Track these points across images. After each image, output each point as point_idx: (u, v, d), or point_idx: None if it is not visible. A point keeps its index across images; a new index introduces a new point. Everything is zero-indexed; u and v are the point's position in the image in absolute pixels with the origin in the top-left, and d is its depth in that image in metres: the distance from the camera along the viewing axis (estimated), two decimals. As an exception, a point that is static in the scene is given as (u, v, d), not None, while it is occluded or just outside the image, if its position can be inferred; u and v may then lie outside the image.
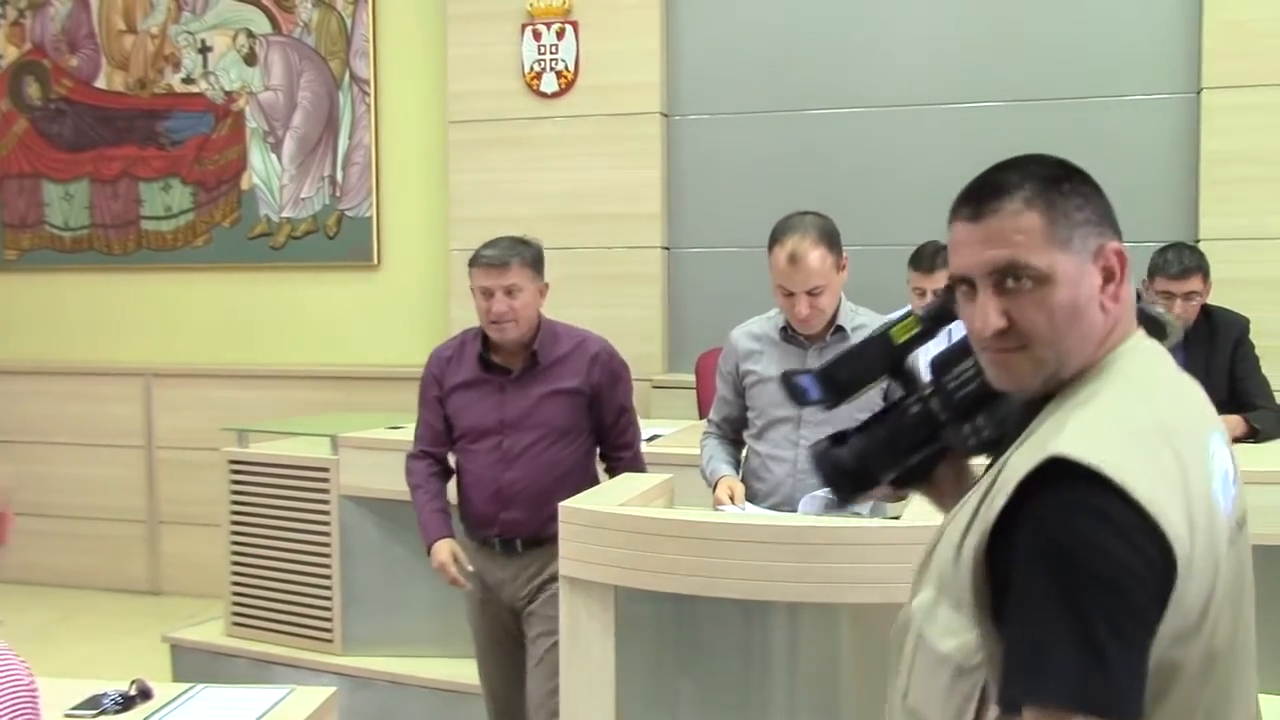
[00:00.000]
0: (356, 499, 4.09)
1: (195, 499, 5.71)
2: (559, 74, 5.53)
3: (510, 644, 3.29)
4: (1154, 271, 4.03)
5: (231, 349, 6.14)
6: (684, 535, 2.28)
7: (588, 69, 5.51)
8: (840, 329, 2.92)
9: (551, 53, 5.53)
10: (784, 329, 2.96)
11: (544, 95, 5.57)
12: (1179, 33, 4.92)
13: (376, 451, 4.04)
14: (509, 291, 3.11)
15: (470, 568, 3.17)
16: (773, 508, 2.87)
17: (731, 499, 2.79)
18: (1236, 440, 3.71)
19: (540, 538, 3.12)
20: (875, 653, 2.34)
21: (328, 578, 4.15)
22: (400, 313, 5.96)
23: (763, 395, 2.96)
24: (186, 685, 2.64)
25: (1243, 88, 4.76)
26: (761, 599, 2.31)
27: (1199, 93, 4.86)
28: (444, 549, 3.16)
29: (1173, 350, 4.24)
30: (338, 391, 5.75)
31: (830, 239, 2.85)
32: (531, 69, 5.56)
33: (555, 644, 2.85)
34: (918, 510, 2.49)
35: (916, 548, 2.25)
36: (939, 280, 4.13)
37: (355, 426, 4.32)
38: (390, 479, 3.66)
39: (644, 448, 3.79)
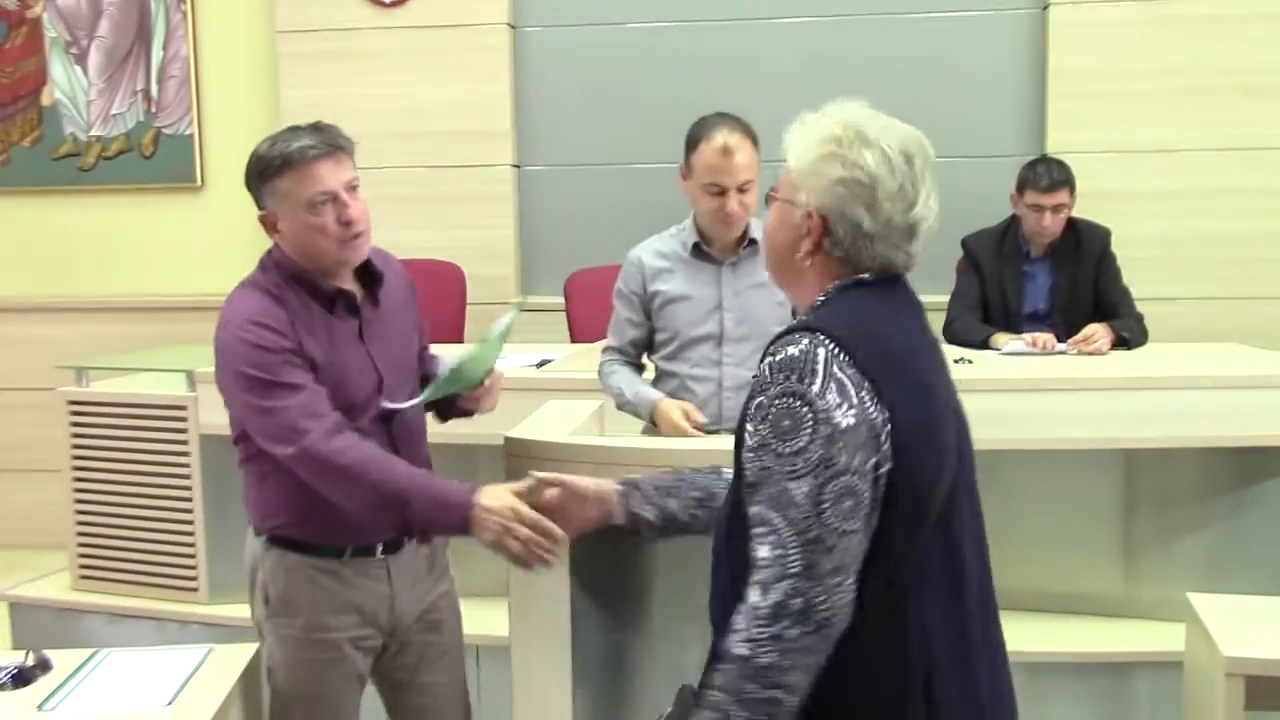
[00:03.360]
0: (219, 438, 3.80)
1: (19, 444, 5.26)
2: (399, -19, 5.22)
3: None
4: (1023, 185, 4.10)
5: (41, 280, 5.63)
6: (654, 465, 2.16)
7: (429, -24, 5.22)
8: (753, 241, 2.84)
9: (391, -43, 5.21)
10: (695, 245, 2.87)
11: (382, 4, 5.26)
12: (1027, -52, 5.00)
13: (239, 387, 3.76)
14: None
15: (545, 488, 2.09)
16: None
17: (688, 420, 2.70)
18: (1111, 349, 3.84)
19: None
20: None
21: (189, 522, 3.86)
22: (229, 237, 5.56)
23: (677, 315, 2.87)
24: (89, 651, 2.39)
25: (1089, 3, 4.87)
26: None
27: (1045, 8, 4.95)
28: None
29: (1039, 261, 4.36)
30: (166, 324, 5.35)
31: (754, 136, 2.79)
32: (368, -25, 5.23)
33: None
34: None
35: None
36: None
37: (207, 361, 3.99)
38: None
39: (535, 374, 3.66)
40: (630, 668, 2.45)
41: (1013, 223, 4.21)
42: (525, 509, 2.04)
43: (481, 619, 2.91)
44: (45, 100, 5.60)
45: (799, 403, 1.52)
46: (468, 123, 5.26)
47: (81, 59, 5.56)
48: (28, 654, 2.31)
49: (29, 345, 5.33)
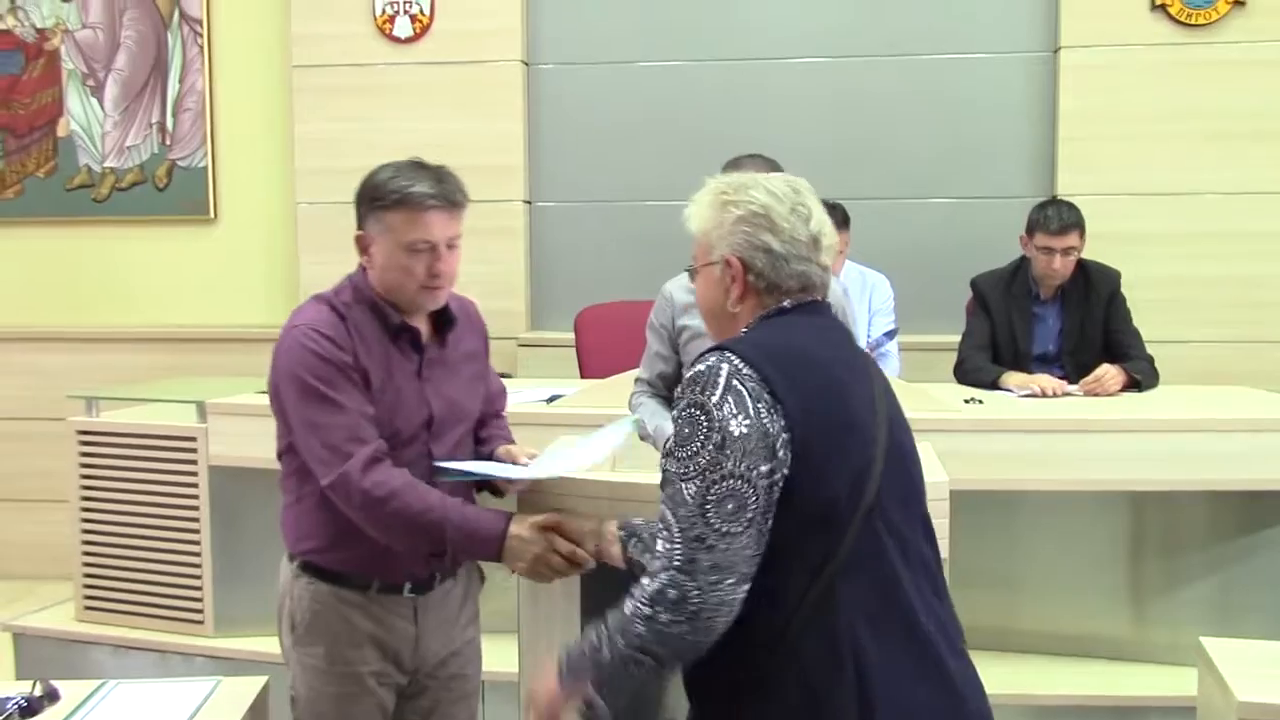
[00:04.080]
0: (227, 469, 3.81)
1: (26, 473, 5.26)
2: (413, 18, 5.27)
3: None
4: (1033, 228, 4.11)
5: (52, 310, 5.66)
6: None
7: (444, 13, 5.27)
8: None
9: (406, -5, 5.27)
10: (721, 282, 2.87)
11: (397, 40, 5.30)
12: (1038, -7, 5.04)
13: (248, 418, 3.76)
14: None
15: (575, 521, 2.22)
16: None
17: None
18: (1122, 390, 3.83)
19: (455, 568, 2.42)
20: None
21: (196, 554, 3.86)
22: (242, 270, 5.61)
23: (702, 350, 2.86)
24: (97, 683, 2.38)
25: (1099, 47, 4.90)
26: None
27: (1056, 51, 4.98)
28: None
29: (1048, 303, 4.35)
30: (177, 355, 5.36)
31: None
32: (384, 12, 5.28)
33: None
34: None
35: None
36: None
37: (219, 392, 4.02)
38: (263, 446, 3.40)
39: (546, 409, 3.66)
40: (641, 699, 2.44)
41: (1022, 264, 4.22)
42: (560, 540, 2.14)
43: (488, 655, 2.90)
44: (61, 131, 5.64)
45: (699, 412, 1.68)
46: (481, 158, 5.27)
47: (98, 91, 5.61)
48: (35, 684, 2.30)
49: (40, 375, 5.35)
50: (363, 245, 2.28)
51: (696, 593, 1.63)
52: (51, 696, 2.30)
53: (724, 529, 1.63)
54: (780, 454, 1.65)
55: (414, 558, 2.29)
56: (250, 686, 2.36)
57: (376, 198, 2.23)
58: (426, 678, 2.41)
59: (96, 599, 4.02)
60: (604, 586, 2.31)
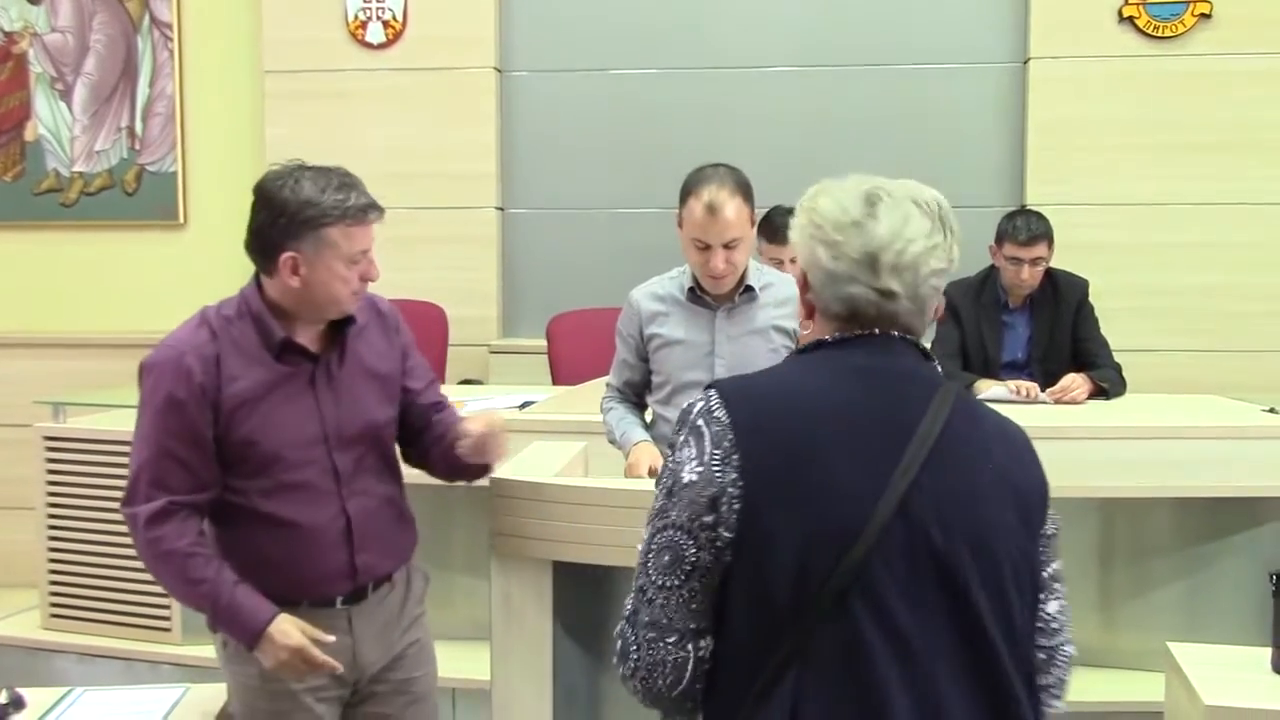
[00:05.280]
0: (196, 476, 3.78)
1: (-10, 480, 5.21)
2: (386, 23, 5.26)
3: None
4: (1001, 238, 4.14)
5: (20, 316, 5.60)
6: (638, 506, 2.16)
7: (417, 19, 5.27)
8: (749, 289, 2.85)
9: (378, 0, 5.25)
10: (691, 289, 2.87)
11: (370, 46, 5.29)
12: (1008, 5, 5.07)
13: (218, 424, 3.74)
14: None
15: (330, 637, 2.21)
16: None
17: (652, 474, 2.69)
18: (1089, 398, 3.87)
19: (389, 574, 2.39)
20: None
21: (164, 561, 3.83)
22: (212, 276, 5.54)
23: (670, 358, 2.87)
24: (63, 690, 2.36)
25: (1067, 58, 4.94)
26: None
27: (1026, 63, 5.03)
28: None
29: (1017, 311, 4.38)
30: (145, 360, 5.32)
31: (745, 190, 2.78)
32: (356, 17, 5.27)
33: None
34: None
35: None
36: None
37: (187, 398, 3.98)
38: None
39: (519, 416, 3.66)
40: (610, 708, 2.44)
41: (991, 273, 4.25)
42: (313, 652, 2.14)
43: (458, 662, 2.90)
44: (29, 135, 5.59)
45: (669, 451, 1.55)
46: (453, 165, 5.28)
47: (67, 95, 5.57)
48: (0, 691, 2.28)
49: (5, 381, 5.29)
50: (290, 266, 2.18)
51: (635, 648, 1.51)
52: (17, 704, 2.28)
53: (660, 582, 1.48)
54: (723, 509, 1.45)
55: (335, 585, 2.27)
56: (218, 693, 2.35)
57: (314, 215, 2.16)
58: (372, 683, 2.36)
59: (63, 606, 3.99)
60: (576, 595, 2.32)
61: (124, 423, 3.99)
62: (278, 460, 2.19)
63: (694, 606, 1.48)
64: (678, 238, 2.85)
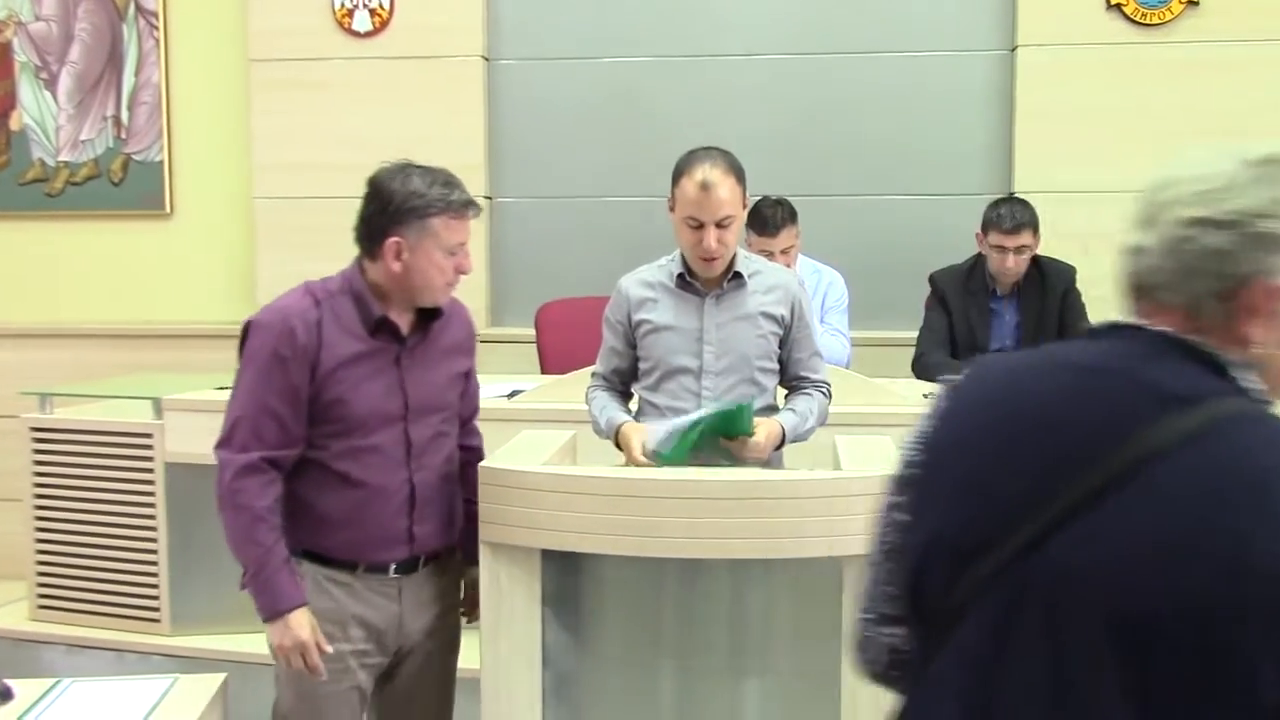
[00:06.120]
0: (184, 466, 3.78)
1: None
2: (373, 12, 5.24)
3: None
4: (987, 226, 4.15)
5: (4, 306, 5.56)
6: (627, 494, 2.17)
7: (404, 8, 5.23)
8: (738, 275, 2.85)
9: (365, -11, 5.23)
10: (680, 276, 2.87)
11: (356, 34, 5.26)
12: (996, -9, 5.08)
13: (206, 414, 3.72)
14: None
15: (330, 648, 2.42)
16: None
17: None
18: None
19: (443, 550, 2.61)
20: (812, 608, 2.32)
21: (153, 551, 3.82)
22: (199, 266, 5.55)
23: (659, 345, 2.86)
24: (52, 681, 2.36)
25: (1055, 46, 4.94)
26: (705, 557, 2.23)
27: (1014, 50, 5.02)
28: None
29: (1005, 299, 4.37)
30: (132, 352, 5.30)
31: (738, 172, 2.79)
32: (343, 6, 5.24)
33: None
34: (856, 461, 2.48)
35: (861, 499, 2.24)
36: (784, 241, 4.11)
37: (175, 388, 3.98)
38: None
39: (507, 405, 3.66)
40: (597, 693, 2.44)
41: (978, 260, 4.25)
42: (312, 652, 2.35)
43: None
44: (14, 125, 5.56)
45: None
46: (440, 154, 5.10)
47: (51, 84, 5.54)
48: (-12, 682, 2.28)
49: (-10, 371, 5.27)
50: (395, 250, 2.40)
51: (858, 621, 1.42)
52: (5, 695, 2.28)
53: (870, 558, 1.40)
54: (907, 492, 1.36)
55: (392, 551, 2.46)
56: (208, 684, 2.35)
57: (420, 205, 2.40)
58: (408, 656, 2.55)
59: (51, 598, 3.98)
60: (565, 583, 2.33)
61: (112, 413, 4.00)
62: (360, 424, 2.42)
63: (888, 588, 1.36)
64: (666, 226, 2.85)
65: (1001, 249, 4.09)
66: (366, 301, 2.45)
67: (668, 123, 5.15)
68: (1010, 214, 4.09)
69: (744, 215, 2.83)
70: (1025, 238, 4.08)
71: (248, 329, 2.43)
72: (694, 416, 2.58)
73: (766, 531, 2.20)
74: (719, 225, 2.73)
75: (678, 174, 2.79)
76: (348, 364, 2.41)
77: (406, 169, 2.45)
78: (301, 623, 2.35)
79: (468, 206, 2.45)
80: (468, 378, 2.68)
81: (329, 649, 2.38)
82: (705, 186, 2.71)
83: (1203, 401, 1.20)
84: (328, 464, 2.43)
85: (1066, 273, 4.21)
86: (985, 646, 1.22)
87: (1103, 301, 4.29)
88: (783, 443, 2.72)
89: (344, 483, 2.43)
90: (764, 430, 2.65)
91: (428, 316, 2.54)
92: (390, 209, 2.40)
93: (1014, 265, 4.10)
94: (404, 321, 2.50)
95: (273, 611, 2.36)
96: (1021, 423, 1.26)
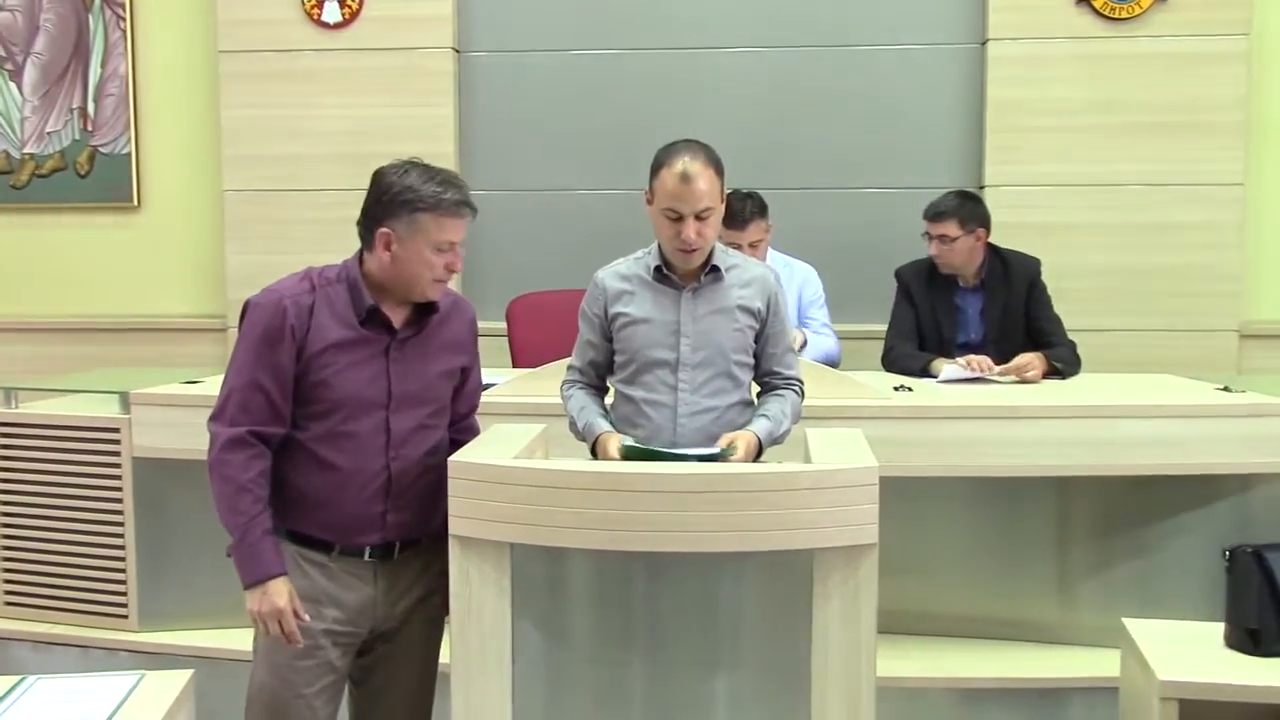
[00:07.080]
0: (152, 460, 3.75)
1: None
2: (343, 3, 5.21)
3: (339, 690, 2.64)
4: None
5: (-31, 299, 5.53)
6: (597, 488, 2.16)
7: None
8: (715, 269, 2.84)
9: (334, -20, 5.20)
10: (657, 269, 2.86)
11: (326, 25, 5.23)
12: (966, -15, 5.09)
13: (174, 408, 3.70)
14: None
15: (306, 617, 2.49)
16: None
17: None
18: (1044, 378, 3.90)
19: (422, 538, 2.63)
20: (783, 602, 2.32)
21: (120, 547, 3.79)
22: (166, 259, 5.52)
23: (635, 337, 2.85)
24: (16, 678, 2.33)
25: (1025, 40, 4.97)
26: (676, 550, 2.23)
27: (984, 44, 5.04)
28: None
29: (970, 292, 4.37)
30: (99, 346, 5.27)
31: (717, 164, 2.77)
32: (312, -3, 5.21)
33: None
34: (827, 453, 2.48)
35: (833, 491, 2.25)
36: (753, 234, 4.12)
37: (142, 382, 3.95)
38: (189, 438, 3.34)
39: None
40: (568, 690, 2.44)
41: (943, 253, 4.26)
42: (289, 619, 2.43)
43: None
44: (-22, 117, 5.51)
45: None
46: (411, 146, 5.08)
47: (16, 75, 5.48)
48: (-50, 680, 2.25)
49: (-46, 365, 5.22)
50: (385, 241, 2.48)
51: None
52: (-31, 693, 2.24)
53: None
54: None
55: (366, 535, 2.53)
56: (175, 680, 2.32)
57: (412, 200, 2.46)
58: (383, 640, 2.61)
59: (16, 594, 3.94)
60: (535, 577, 2.32)
61: (77, 407, 3.96)
62: (340, 409, 2.49)
63: None
64: (636, 219, 2.84)
65: (928, 236, 4.14)
66: (360, 291, 2.52)
67: (637, 116, 5.15)
68: (937, 203, 4.14)
69: (722, 208, 2.82)
70: (946, 227, 4.09)
71: (246, 307, 2.53)
72: (675, 452, 2.57)
73: (737, 525, 2.19)
74: (698, 217, 2.72)
75: (657, 166, 2.77)
76: (334, 349, 2.49)
77: (409, 165, 2.53)
78: (280, 590, 2.43)
79: (460, 206, 2.51)
80: (465, 374, 2.71)
81: (306, 618, 2.45)
82: (685, 178, 2.70)
83: None
84: (308, 445, 2.50)
85: (1031, 265, 4.22)
86: None
87: (1072, 294, 4.35)
88: (760, 451, 2.71)
89: (321, 465, 2.50)
90: (742, 445, 2.64)
91: (424, 311, 2.59)
92: (384, 200, 2.48)
93: (939, 253, 4.13)
94: (397, 314, 2.55)
95: (252, 578, 2.44)
96: None
